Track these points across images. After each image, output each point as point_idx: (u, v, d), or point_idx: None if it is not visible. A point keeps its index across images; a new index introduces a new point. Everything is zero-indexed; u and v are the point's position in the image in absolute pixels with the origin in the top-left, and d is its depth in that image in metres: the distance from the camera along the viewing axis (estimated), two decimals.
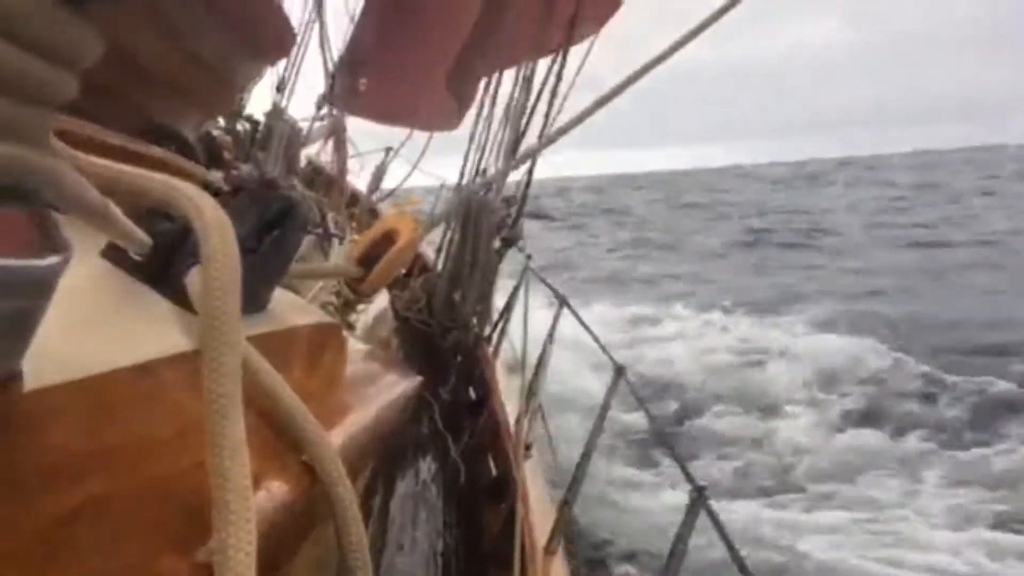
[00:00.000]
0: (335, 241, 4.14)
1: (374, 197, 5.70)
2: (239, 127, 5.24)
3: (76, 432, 0.56)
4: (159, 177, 0.64)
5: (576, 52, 4.33)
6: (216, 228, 0.60)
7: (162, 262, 0.87)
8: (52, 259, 0.46)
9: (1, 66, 0.39)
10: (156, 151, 1.39)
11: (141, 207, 0.82)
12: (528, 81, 4.25)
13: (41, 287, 0.46)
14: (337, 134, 5.35)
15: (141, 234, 0.81)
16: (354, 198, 5.70)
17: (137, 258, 0.86)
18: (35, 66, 0.41)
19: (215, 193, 0.99)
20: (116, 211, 0.66)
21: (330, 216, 4.50)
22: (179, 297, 0.85)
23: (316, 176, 5.42)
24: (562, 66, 4.19)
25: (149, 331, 0.77)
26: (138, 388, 0.67)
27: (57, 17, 0.42)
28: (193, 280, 0.85)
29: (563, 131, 3.53)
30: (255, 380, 0.74)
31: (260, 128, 5.17)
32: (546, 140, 3.85)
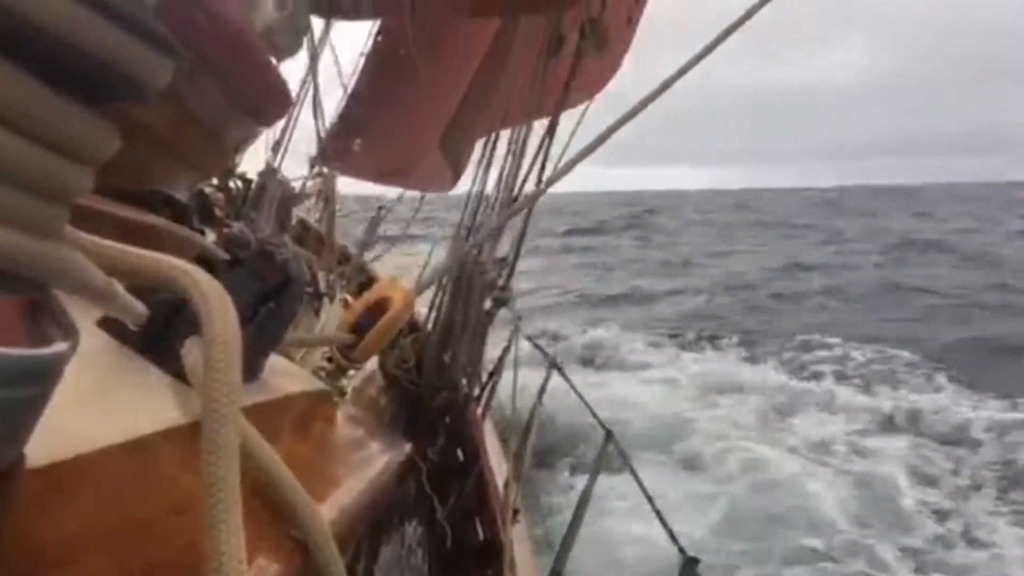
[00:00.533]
0: (325, 300, 4.14)
1: (365, 256, 5.72)
2: (231, 185, 5.28)
3: (71, 511, 0.56)
4: (163, 259, 0.65)
5: (573, 114, 4.41)
6: (219, 312, 0.61)
7: (158, 333, 0.87)
8: (60, 346, 0.47)
9: (19, 162, 0.40)
10: (153, 220, 1.40)
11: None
12: (522, 145, 4.32)
13: (49, 375, 0.46)
14: (327, 192, 5.39)
15: (138, 305, 0.82)
16: (344, 256, 5.72)
17: (133, 328, 0.87)
18: (51, 162, 0.42)
19: (213, 264, 0.99)
20: (118, 288, 0.67)
21: (320, 275, 4.50)
22: (174, 368, 0.85)
23: (305, 234, 5.44)
24: (553, 133, 4.26)
25: (144, 404, 0.77)
26: (133, 464, 0.67)
27: (74, 115, 0.43)
28: (188, 351, 0.85)
29: (551, 181, 3.58)
30: (250, 455, 0.74)
31: (252, 187, 5.21)
32: (535, 195, 3.89)
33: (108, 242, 0.62)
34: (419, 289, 1.73)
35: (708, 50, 2.21)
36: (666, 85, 2.19)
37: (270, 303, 1.00)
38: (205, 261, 1.02)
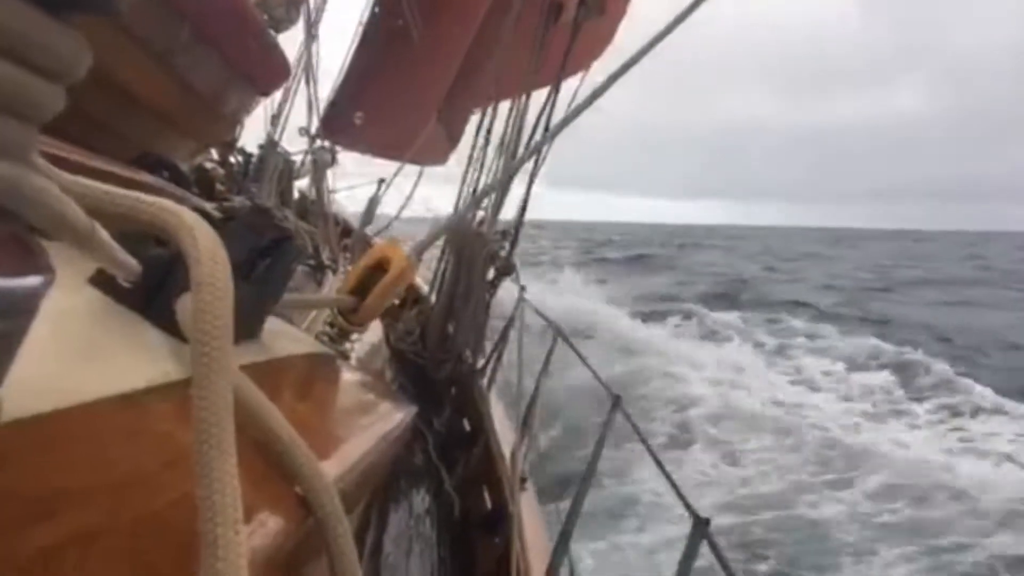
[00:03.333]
0: (328, 272, 4.13)
1: (368, 229, 5.70)
2: (232, 159, 5.25)
3: (58, 464, 0.54)
4: (149, 199, 0.62)
5: (570, 85, 4.37)
6: (208, 252, 0.59)
7: (152, 289, 0.85)
8: (33, 279, 0.45)
9: None
10: (148, 178, 1.38)
11: (130, 233, 0.81)
12: (521, 115, 4.28)
13: (22, 309, 0.44)
14: (319, 166, 5.35)
15: (130, 260, 0.80)
16: (347, 230, 5.70)
17: (126, 285, 0.85)
18: (19, 77, 0.40)
19: (208, 221, 0.97)
20: (104, 235, 0.64)
21: (322, 247, 4.49)
22: (169, 325, 0.84)
23: (309, 208, 5.42)
24: (553, 102, 4.21)
25: (137, 360, 0.75)
26: (124, 418, 0.65)
27: (41, 26, 0.40)
28: (183, 308, 0.83)
29: (554, 133, 3.55)
30: (247, 410, 0.72)
31: (253, 161, 5.18)
32: (539, 144, 3.85)
33: (90, 181, 0.60)
34: (419, 249, 1.71)
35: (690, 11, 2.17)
36: (661, 36, 2.16)
37: (267, 259, 0.98)
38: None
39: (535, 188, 4.26)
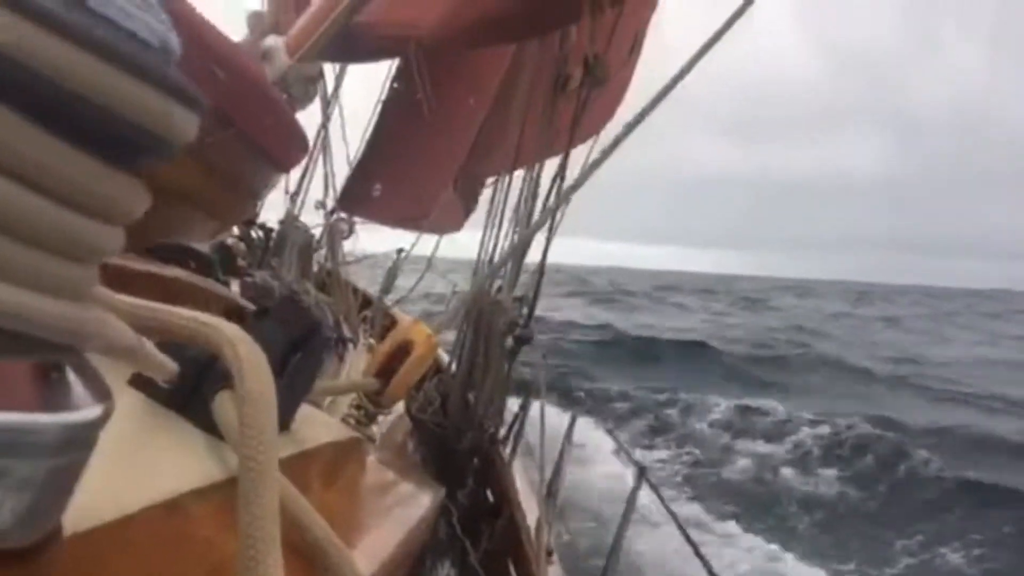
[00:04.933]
0: (350, 345, 4.15)
1: (387, 299, 5.74)
2: (252, 234, 5.33)
3: None
4: (193, 315, 0.64)
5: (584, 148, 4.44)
6: (251, 367, 0.60)
7: (189, 389, 0.86)
8: (95, 410, 0.46)
9: (52, 226, 0.40)
10: (179, 274, 1.40)
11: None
12: (535, 183, 4.34)
13: (85, 440, 0.45)
14: (333, 237, 5.42)
15: (169, 362, 0.81)
16: (367, 301, 5.74)
17: (164, 385, 0.86)
18: (77, 223, 0.42)
19: (241, 315, 0.99)
20: (150, 346, 0.66)
21: (343, 320, 4.51)
22: (207, 424, 0.85)
23: (328, 280, 5.47)
24: (565, 168, 4.27)
25: (178, 463, 0.76)
26: (168, 527, 0.66)
27: (100, 175, 0.42)
28: (220, 405, 0.84)
29: (565, 196, 3.58)
30: (286, 511, 0.73)
31: (273, 235, 5.25)
32: (547, 213, 3.89)
33: (139, 300, 0.62)
34: (439, 329, 1.73)
35: (703, 51, 2.23)
36: (665, 91, 2.21)
37: (299, 353, 0.99)
38: (232, 312, 1.02)
39: None
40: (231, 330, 0.63)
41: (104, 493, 0.61)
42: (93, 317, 0.47)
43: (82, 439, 0.45)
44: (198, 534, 0.67)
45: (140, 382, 0.86)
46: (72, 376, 0.50)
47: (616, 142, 2.34)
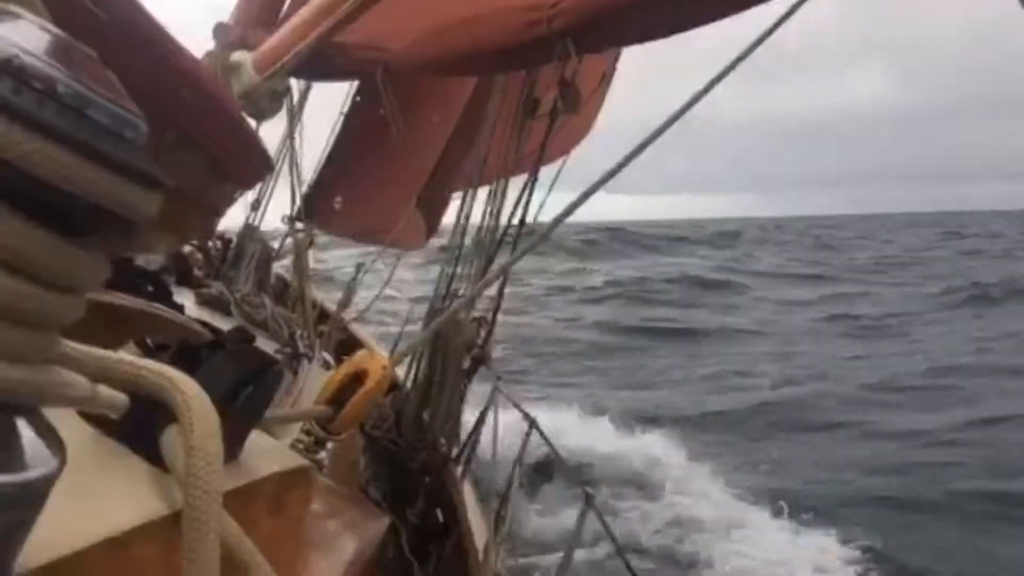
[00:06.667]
0: (304, 360, 4.13)
1: (344, 316, 5.72)
2: (210, 244, 5.29)
3: None
4: (145, 365, 0.66)
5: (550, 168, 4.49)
6: (200, 419, 0.62)
7: (139, 423, 0.87)
8: (49, 465, 0.47)
9: (13, 300, 0.41)
10: (137, 304, 1.41)
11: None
12: (498, 206, 4.37)
13: (38, 495, 0.47)
14: (298, 251, 5.40)
15: (119, 397, 0.82)
16: (324, 315, 5.71)
17: (113, 416, 0.87)
18: (44, 298, 0.44)
19: (194, 350, 1.00)
20: (103, 391, 0.68)
21: (299, 334, 4.49)
22: (155, 457, 0.86)
23: (285, 292, 5.44)
24: (531, 191, 4.30)
25: (125, 497, 0.78)
26: (113, 565, 0.67)
27: (60, 251, 0.44)
28: (168, 440, 0.85)
29: (537, 241, 3.61)
30: (229, 551, 0.74)
31: (232, 246, 5.22)
32: (514, 259, 3.91)
33: (92, 350, 0.63)
34: (396, 361, 1.74)
35: (712, 84, 2.20)
36: (668, 123, 2.21)
37: (250, 386, 1.01)
38: (185, 346, 1.03)
39: None
40: (182, 381, 0.65)
41: (49, 529, 0.62)
42: (52, 379, 0.49)
43: (37, 494, 0.47)
44: (146, 572, 0.69)
45: (90, 414, 0.87)
46: (25, 429, 0.52)
47: (603, 180, 2.34)
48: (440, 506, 4.21)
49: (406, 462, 4.49)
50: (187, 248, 5.18)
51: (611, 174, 2.36)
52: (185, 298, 3.45)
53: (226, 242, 5.27)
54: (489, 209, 4.42)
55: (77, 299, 0.47)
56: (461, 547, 3.52)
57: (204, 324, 1.60)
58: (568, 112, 4.53)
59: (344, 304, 5.62)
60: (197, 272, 4.94)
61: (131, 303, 1.37)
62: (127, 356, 0.67)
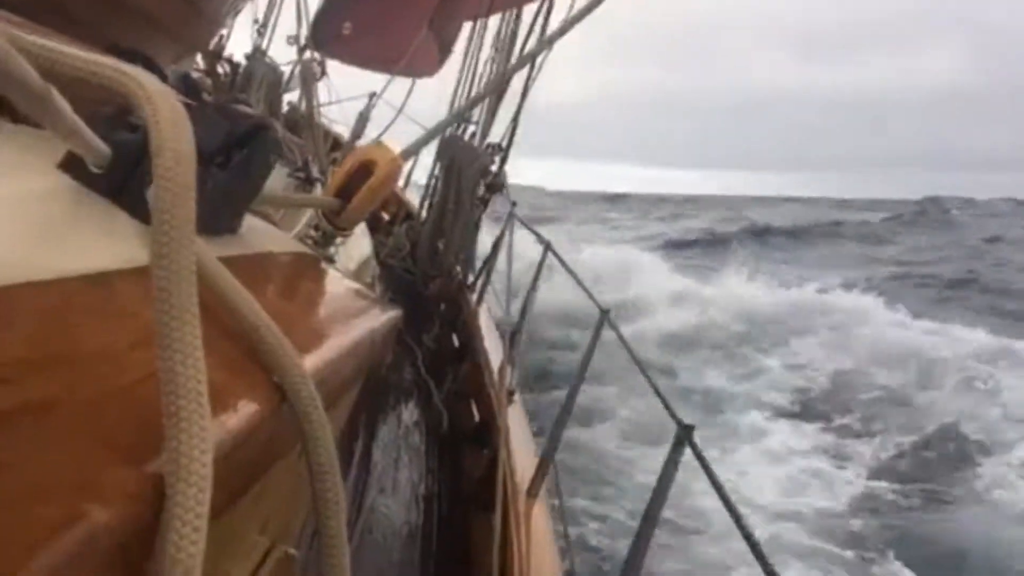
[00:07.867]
0: (318, 185, 4.07)
1: (357, 144, 5.62)
2: (219, 69, 5.13)
3: (17, 335, 0.52)
4: (107, 61, 0.59)
5: None
6: (170, 119, 0.55)
7: (122, 175, 0.82)
8: None
9: None
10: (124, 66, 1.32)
11: (100, 117, 0.77)
12: (514, 24, 4.18)
13: None
14: (307, 77, 5.25)
15: (99, 142, 0.76)
16: (336, 143, 5.62)
17: (96, 171, 0.81)
18: None
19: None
20: (62, 103, 0.61)
21: (311, 160, 4.42)
22: (140, 212, 0.81)
23: (298, 120, 5.33)
24: (549, 11, 4.09)
25: (105, 244, 0.73)
26: (89, 297, 0.62)
27: None
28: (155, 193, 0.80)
29: (549, 42, 3.46)
30: (218, 294, 0.70)
31: (240, 70, 5.07)
32: (528, 56, 3.75)
33: (47, 41, 0.56)
34: (407, 154, 1.66)
35: None
36: None
37: (244, 150, 0.94)
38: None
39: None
40: (148, 79, 0.58)
41: (22, 261, 0.57)
42: None
43: None
44: (121, 308, 0.64)
45: (71, 166, 0.81)
46: None
47: None
48: (455, 331, 4.27)
49: (422, 289, 4.54)
50: (196, 73, 5.03)
51: None
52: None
53: (235, 66, 5.11)
54: (504, 27, 4.24)
55: None
56: (476, 368, 3.58)
57: None
58: None
59: (357, 134, 5.50)
60: (207, 97, 4.82)
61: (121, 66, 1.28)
62: (94, 55, 0.59)
